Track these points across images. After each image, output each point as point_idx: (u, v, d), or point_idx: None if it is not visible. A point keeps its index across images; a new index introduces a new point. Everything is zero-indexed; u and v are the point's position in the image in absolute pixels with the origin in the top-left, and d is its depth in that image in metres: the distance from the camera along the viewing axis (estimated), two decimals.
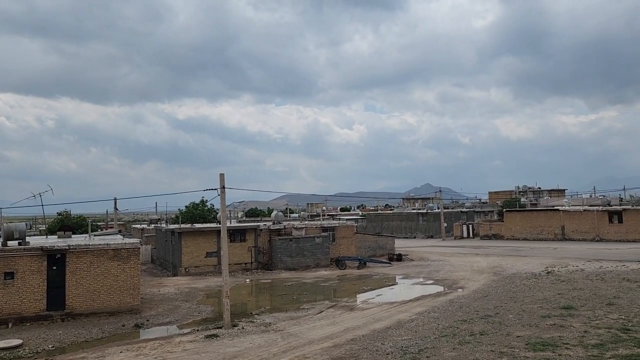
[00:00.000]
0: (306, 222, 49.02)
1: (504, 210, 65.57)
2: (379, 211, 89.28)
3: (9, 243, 22.85)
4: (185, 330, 20.35)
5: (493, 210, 79.27)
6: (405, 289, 30.05)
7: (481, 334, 17.21)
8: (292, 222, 45.74)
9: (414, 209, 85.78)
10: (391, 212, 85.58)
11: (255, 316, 22.77)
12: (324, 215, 66.62)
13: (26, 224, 28.18)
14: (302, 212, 68.42)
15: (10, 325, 21.17)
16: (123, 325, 21.40)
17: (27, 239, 24.46)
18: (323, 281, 33.67)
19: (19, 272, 21.78)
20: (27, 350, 17.86)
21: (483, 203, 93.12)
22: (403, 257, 44.31)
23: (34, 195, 30.24)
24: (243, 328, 20.05)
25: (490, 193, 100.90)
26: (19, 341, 18.72)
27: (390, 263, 41.61)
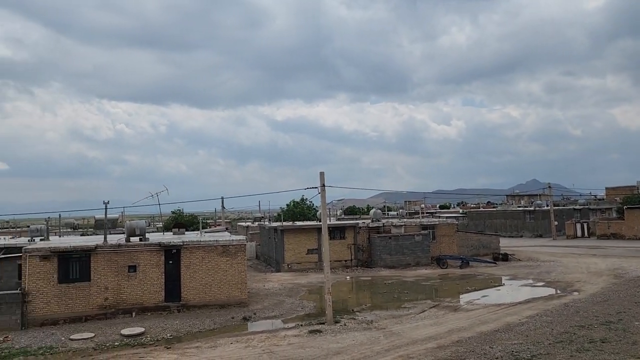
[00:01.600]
0: (405, 219, 48.37)
1: (625, 207, 60.01)
2: (481, 209, 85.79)
3: (132, 239, 24.97)
4: (290, 325, 20.96)
5: (611, 208, 72.91)
6: (513, 291, 28.60)
7: (602, 342, 15.91)
8: (390, 220, 45.36)
9: (519, 207, 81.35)
10: (494, 209, 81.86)
11: (357, 313, 22.88)
12: (423, 213, 65.31)
13: (145, 222, 30.59)
14: (400, 210, 67.61)
15: (133, 314, 23.13)
16: (232, 318, 22.53)
17: (147, 235, 26.58)
18: (424, 280, 33.03)
19: (140, 265, 23.73)
20: (149, 338, 19.41)
21: (599, 200, 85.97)
22: (509, 256, 42.19)
23: (152, 195, 32.79)
24: (345, 325, 20.23)
25: (607, 189, 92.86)
26: (142, 329, 20.41)
27: (495, 263, 39.82)
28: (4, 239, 37.31)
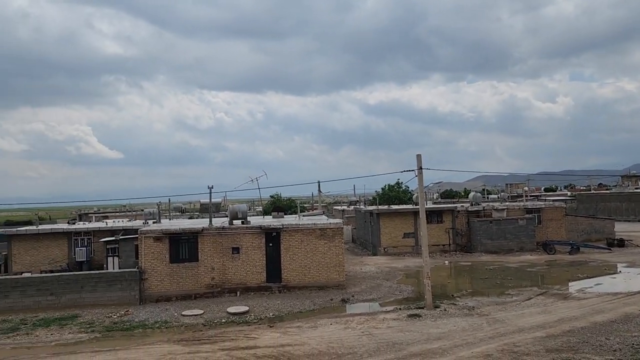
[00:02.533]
0: (507, 203, 46.09)
1: None
2: (592, 191, 79.51)
3: (234, 222, 26.14)
4: (388, 308, 20.88)
5: None
6: (630, 279, 26.25)
7: None
8: (490, 204, 43.47)
9: (637, 188, 74.32)
10: (608, 192, 75.50)
11: (457, 299, 22.26)
12: (527, 195, 61.84)
13: (246, 206, 31.86)
14: (501, 193, 64.53)
15: (238, 293, 24.29)
16: (331, 300, 22.89)
17: (248, 218, 27.68)
18: (529, 266, 31.35)
19: (243, 247, 24.80)
20: (253, 317, 20.29)
21: None
22: (626, 242, 38.79)
23: (252, 180, 34.00)
24: (445, 310, 19.77)
25: None
26: (246, 308, 21.38)
27: (609, 249, 36.81)
28: (122, 221, 40.77)
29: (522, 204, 43.24)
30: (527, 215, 38.71)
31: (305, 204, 68.30)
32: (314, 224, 25.81)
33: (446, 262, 34.07)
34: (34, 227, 35.00)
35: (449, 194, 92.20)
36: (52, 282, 22.85)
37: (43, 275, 25.42)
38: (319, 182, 42.93)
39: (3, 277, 26.46)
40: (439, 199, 73.36)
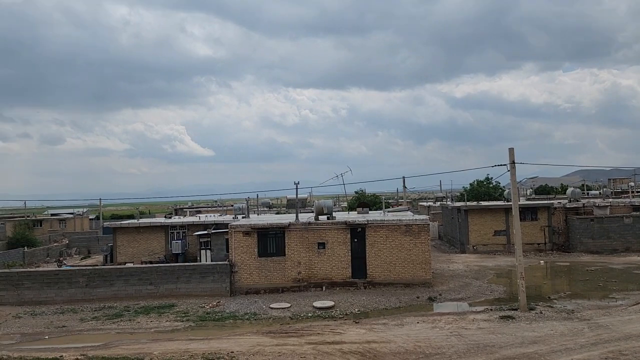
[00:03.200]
0: (610, 199, 42.69)
1: None
2: None
3: (320, 217, 26.37)
4: (478, 309, 20.06)
5: None
6: None
7: None
8: (591, 200, 40.47)
9: None
10: None
11: (554, 301, 20.92)
12: (633, 191, 56.90)
13: (332, 201, 32.06)
14: (604, 189, 59.83)
15: (324, 288, 24.49)
16: (417, 297, 22.42)
17: (333, 214, 27.81)
18: (636, 268, 28.79)
19: (328, 242, 24.95)
20: (338, 312, 20.35)
21: None
22: None
23: (337, 176, 34.21)
24: (541, 312, 18.64)
25: None
26: (332, 303, 21.49)
27: None
28: (214, 216, 42.60)
29: (627, 200, 39.85)
30: (633, 213, 35.61)
31: (390, 199, 67.62)
32: (399, 220, 25.40)
33: (541, 261, 32.19)
34: (135, 221, 37.55)
35: (544, 190, 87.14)
36: (151, 273, 24.34)
37: (143, 266, 27.19)
38: (403, 177, 42.31)
39: (109, 266, 28.65)
40: (533, 195, 69.55)
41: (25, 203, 72.66)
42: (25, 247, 43.85)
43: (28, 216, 71.64)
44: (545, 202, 40.69)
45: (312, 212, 28.87)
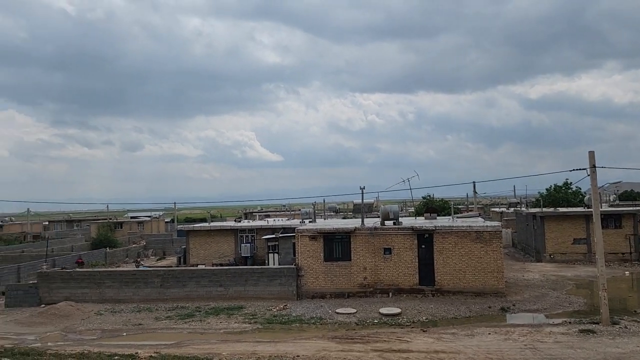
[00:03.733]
0: None
1: None
2: None
3: (386, 223, 26.04)
4: (556, 321, 18.96)
5: None
6: None
7: None
8: None
9: None
10: None
11: None
12: None
13: (398, 206, 31.60)
14: None
15: (390, 295, 24.12)
16: (489, 307, 21.54)
17: (400, 219, 27.37)
18: None
19: (395, 248, 24.57)
20: (405, 319, 19.96)
21: None
22: None
23: (403, 181, 33.75)
24: (626, 327, 17.32)
25: None
26: (398, 310, 21.12)
27: None
28: (282, 220, 43.26)
29: None
30: None
31: (459, 205, 65.77)
32: (469, 226, 24.57)
33: (626, 272, 30.00)
34: (207, 225, 38.85)
35: (629, 196, 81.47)
36: (222, 275, 25.03)
37: (214, 268, 28.03)
38: (474, 182, 41.01)
39: (182, 268, 29.79)
40: (617, 201, 65.20)
41: (107, 206, 77.33)
42: (107, 248, 46.59)
43: (110, 219, 76.15)
44: (631, 208, 37.98)
45: (378, 217, 28.56)
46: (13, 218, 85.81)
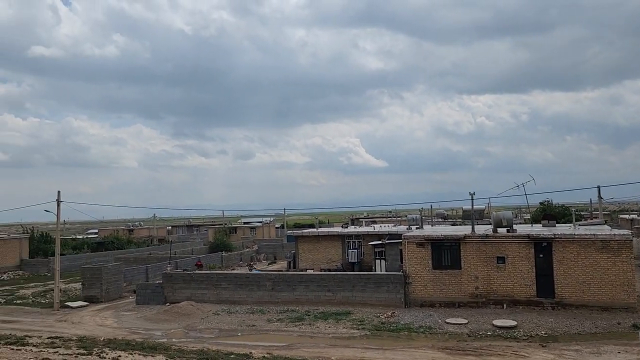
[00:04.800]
0: None
1: None
2: None
3: (499, 230, 24.81)
4: None
5: None
6: None
7: None
8: None
9: None
10: None
11: None
12: None
13: (512, 213, 29.98)
14: None
15: (504, 306, 22.89)
16: (618, 324, 19.63)
17: (514, 227, 25.92)
18: None
19: (508, 257, 23.30)
20: (521, 333, 18.83)
21: None
22: None
23: (517, 186, 31.95)
24: None
25: None
26: (514, 322, 19.97)
27: None
28: (388, 226, 42.99)
29: None
30: None
31: (582, 211, 60.86)
32: (594, 234, 22.62)
33: None
34: (315, 230, 39.75)
35: None
36: (329, 280, 25.43)
37: (322, 273, 28.58)
38: (598, 187, 37.68)
39: (291, 272, 30.75)
40: None
41: (223, 212, 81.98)
42: (223, 252, 49.47)
43: (225, 224, 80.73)
44: None
45: (490, 224, 27.30)
46: (142, 223, 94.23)
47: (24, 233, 54.82)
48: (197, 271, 31.81)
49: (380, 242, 31.99)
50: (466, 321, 20.64)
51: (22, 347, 18.19)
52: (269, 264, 47.04)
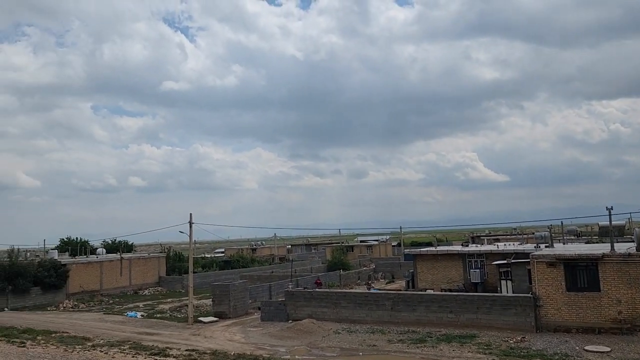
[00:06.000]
0: None
1: None
2: None
3: None
4: None
5: None
6: None
7: None
8: None
9: None
10: None
11: None
12: None
13: None
14: None
15: None
16: None
17: None
18: None
19: None
20: None
21: None
22: None
23: None
24: None
25: None
26: None
27: None
28: (513, 244, 40.57)
29: None
30: None
31: None
32: None
33: None
34: (433, 249, 38.73)
35: None
36: (451, 301, 24.53)
37: (443, 293, 27.66)
38: None
39: (411, 292, 30.16)
40: None
41: (339, 231, 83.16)
42: (341, 270, 50.00)
43: (342, 242, 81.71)
44: None
45: (633, 241, 24.61)
46: (264, 242, 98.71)
47: (161, 252, 60.07)
48: (317, 289, 32.48)
49: (505, 261, 30.27)
50: (609, 349, 18.69)
51: (164, 358, 19.84)
52: (386, 283, 46.64)
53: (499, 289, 29.58)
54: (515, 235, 74.05)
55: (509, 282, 29.03)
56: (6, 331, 26.90)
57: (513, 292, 27.24)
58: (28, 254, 51.33)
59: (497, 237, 73.30)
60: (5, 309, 37.54)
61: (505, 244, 41.80)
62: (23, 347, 23.06)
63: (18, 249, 45.90)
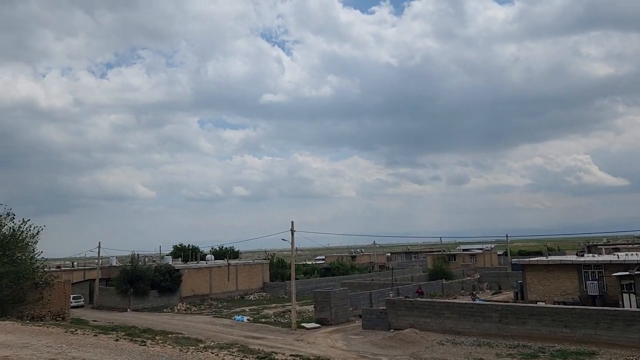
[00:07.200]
0: None
1: None
2: None
3: None
4: None
5: None
6: None
7: None
8: None
9: None
10: None
11: None
12: None
13: None
14: None
15: None
16: None
17: None
18: None
19: None
20: None
21: None
22: None
23: None
24: None
25: None
26: None
27: None
28: (637, 254, 37.00)
29: None
30: None
31: None
32: None
33: None
34: (544, 258, 36.36)
35: None
36: (566, 315, 22.83)
37: (556, 306, 25.84)
38: None
39: (520, 304, 28.52)
40: None
41: (440, 239, 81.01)
42: (444, 279, 48.58)
43: (444, 251, 79.44)
44: None
45: None
46: (363, 250, 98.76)
47: (265, 259, 62.32)
48: (418, 299, 31.83)
49: (627, 272, 27.67)
50: None
51: None
52: (493, 294, 44.52)
53: (620, 302, 27.07)
54: (639, 244, 67.38)
55: (633, 296, 26.46)
56: (129, 330, 29.31)
57: (638, 307, 24.77)
58: (146, 259, 55.79)
59: (617, 246, 67.17)
60: (128, 309, 41.07)
61: (626, 254, 38.21)
62: (144, 345, 24.96)
63: (138, 254, 50.07)
